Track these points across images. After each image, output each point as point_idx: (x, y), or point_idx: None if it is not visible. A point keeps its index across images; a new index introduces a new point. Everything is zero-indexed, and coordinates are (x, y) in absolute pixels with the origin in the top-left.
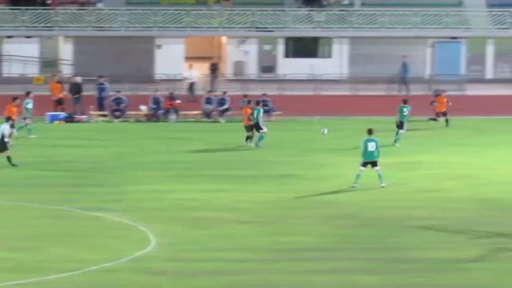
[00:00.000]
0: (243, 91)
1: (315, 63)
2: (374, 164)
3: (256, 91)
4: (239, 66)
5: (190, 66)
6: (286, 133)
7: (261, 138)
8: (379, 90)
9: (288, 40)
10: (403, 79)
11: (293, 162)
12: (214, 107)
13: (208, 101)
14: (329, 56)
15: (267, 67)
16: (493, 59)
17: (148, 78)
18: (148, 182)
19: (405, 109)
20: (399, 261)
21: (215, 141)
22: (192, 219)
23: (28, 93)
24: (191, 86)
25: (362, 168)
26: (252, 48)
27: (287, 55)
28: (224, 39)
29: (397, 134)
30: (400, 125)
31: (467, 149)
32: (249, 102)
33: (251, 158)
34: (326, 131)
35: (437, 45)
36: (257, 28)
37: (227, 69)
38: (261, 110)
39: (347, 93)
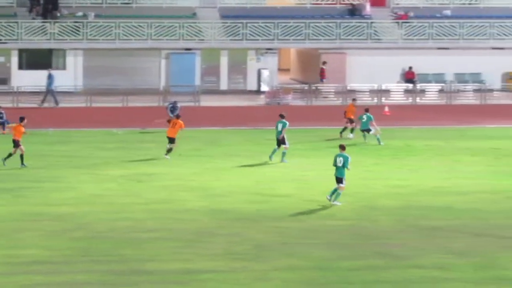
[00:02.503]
0: None
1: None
2: (338, 180)
3: None
4: None
5: None
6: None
7: (283, 154)
8: (115, 102)
9: (22, 52)
10: (49, 91)
11: (27, 174)
12: None
13: None
14: (63, 68)
15: (1, 79)
16: (227, 70)
17: None
18: None
19: (364, 116)
20: (135, 273)
21: None
22: None
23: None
24: None
25: (341, 184)
26: None
27: (21, 67)
28: None
29: (374, 136)
30: (364, 130)
31: (200, 160)
32: (177, 116)
33: None
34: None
35: (172, 56)
36: None
37: None
38: (287, 124)
39: (83, 105)
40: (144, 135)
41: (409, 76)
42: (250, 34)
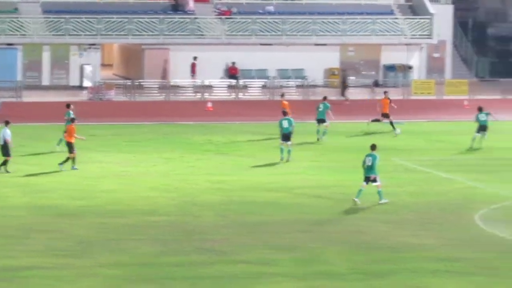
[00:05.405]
0: None
1: None
2: (371, 179)
3: None
4: None
5: None
6: None
7: (289, 152)
8: None
9: None
10: None
11: None
12: None
13: None
14: None
15: None
16: (49, 66)
17: None
18: None
19: (321, 105)
20: None
21: None
22: None
23: (68, 106)
24: None
25: (364, 183)
26: None
27: None
28: None
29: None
30: (320, 121)
31: (23, 156)
32: (72, 120)
33: None
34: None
35: None
36: None
37: None
38: (293, 120)
39: None
40: None
41: (232, 72)
42: (73, 30)
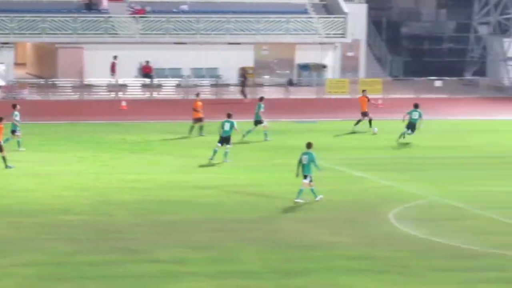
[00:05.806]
0: None
1: None
2: (305, 177)
3: None
4: None
5: None
6: None
7: (226, 153)
8: None
9: None
10: None
11: None
12: None
13: None
14: None
15: None
16: None
17: None
18: None
19: (257, 106)
20: None
21: None
22: None
23: (14, 106)
24: None
25: (304, 181)
26: None
27: None
28: None
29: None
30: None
31: None
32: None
33: None
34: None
35: None
36: None
37: None
38: (235, 123)
39: None
40: None
41: (146, 71)
42: None
